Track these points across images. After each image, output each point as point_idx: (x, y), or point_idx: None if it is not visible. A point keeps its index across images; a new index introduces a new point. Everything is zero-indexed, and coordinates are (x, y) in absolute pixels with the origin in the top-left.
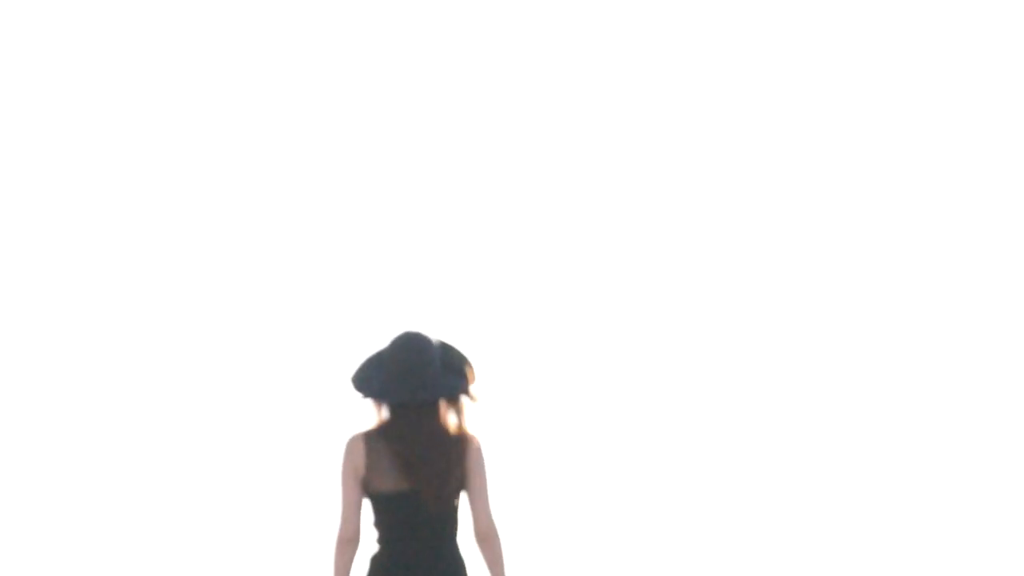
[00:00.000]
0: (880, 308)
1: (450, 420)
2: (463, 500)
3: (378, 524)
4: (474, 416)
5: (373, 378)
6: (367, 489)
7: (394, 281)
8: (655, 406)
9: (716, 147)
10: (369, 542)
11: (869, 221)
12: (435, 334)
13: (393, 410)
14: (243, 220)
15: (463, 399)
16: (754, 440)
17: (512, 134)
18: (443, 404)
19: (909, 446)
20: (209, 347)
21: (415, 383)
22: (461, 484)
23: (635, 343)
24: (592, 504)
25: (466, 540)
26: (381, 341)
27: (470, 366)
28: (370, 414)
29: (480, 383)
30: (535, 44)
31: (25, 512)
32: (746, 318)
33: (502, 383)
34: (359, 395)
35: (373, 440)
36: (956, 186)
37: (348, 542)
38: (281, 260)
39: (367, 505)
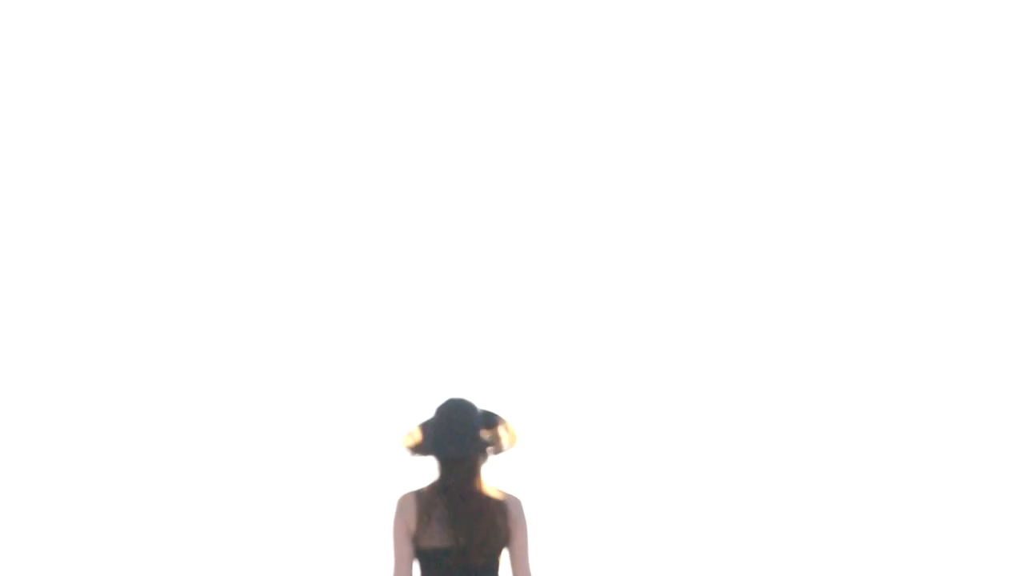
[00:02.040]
0: (882, 308)
1: (487, 477)
2: (504, 556)
3: None
4: (503, 467)
5: (424, 438)
6: (417, 545)
7: (396, 288)
8: (667, 417)
9: (717, 148)
10: None
11: (869, 221)
12: (479, 401)
13: (442, 467)
14: (243, 222)
15: (491, 452)
16: (764, 442)
17: (517, 136)
18: (481, 462)
19: (909, 446)
20: (207, 352)
21: (459, 439)
22: (504, 542)
23: (644, 348)
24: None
25: None
26: (390, 352)
27: (507, 424)
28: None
29: (519, 441)
30: (535, 44)
31: (27, 512)
32: (752, 321)
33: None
34: (411, 455)
35: (424, 497)
36: (956, 186)
37: None
38: (288, 267)
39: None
